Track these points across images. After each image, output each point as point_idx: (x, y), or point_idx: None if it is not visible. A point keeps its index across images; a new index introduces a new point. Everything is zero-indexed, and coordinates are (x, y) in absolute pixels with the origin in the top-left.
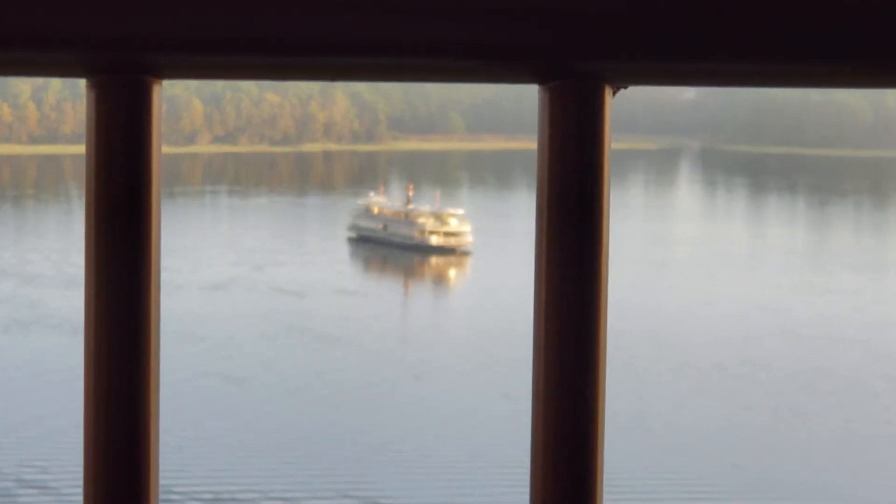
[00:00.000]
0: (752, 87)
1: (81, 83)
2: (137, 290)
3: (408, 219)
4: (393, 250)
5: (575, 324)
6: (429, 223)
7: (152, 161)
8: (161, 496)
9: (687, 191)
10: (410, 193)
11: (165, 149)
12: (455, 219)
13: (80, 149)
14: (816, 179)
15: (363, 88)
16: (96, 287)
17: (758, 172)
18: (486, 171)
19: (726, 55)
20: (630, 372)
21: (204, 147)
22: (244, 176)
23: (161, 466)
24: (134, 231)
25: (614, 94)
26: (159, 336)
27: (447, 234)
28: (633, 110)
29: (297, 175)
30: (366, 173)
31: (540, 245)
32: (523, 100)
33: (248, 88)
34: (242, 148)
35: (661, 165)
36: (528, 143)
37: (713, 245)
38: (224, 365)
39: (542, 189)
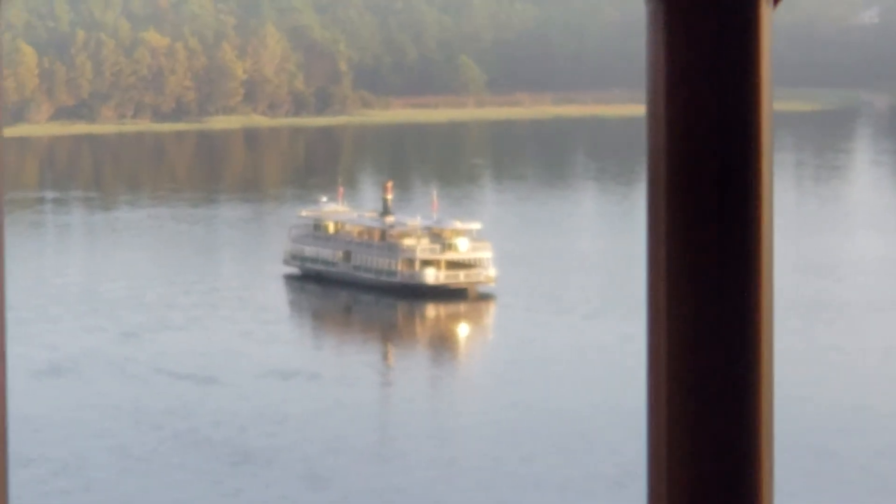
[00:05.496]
0: None
1: None
2: None
3: (386, 240)
4: (362, 294)
5: (715, 365)
6: (421, 246)
7: None
8: None
9: (868, 181)
10: (389, 196)
11: None
12: (466, 238)
13: None
14: None
15: (312, 20)
16: None
17: None
18: (526, 155)
19: None
20: None
21: (41, 127)
22: (108, 173)
23: None
24: None
25: (775, 3)
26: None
27: (453, 264)
28: (775, 47)
29: (199, 170)
30: (316, 164)
31: (655, 243)
32: (593, 26)
33: (115, 24)
34: (105, 127)
35: (823, 136)
36: (605, 106)
37: None
38: None
39: (656, 158)
